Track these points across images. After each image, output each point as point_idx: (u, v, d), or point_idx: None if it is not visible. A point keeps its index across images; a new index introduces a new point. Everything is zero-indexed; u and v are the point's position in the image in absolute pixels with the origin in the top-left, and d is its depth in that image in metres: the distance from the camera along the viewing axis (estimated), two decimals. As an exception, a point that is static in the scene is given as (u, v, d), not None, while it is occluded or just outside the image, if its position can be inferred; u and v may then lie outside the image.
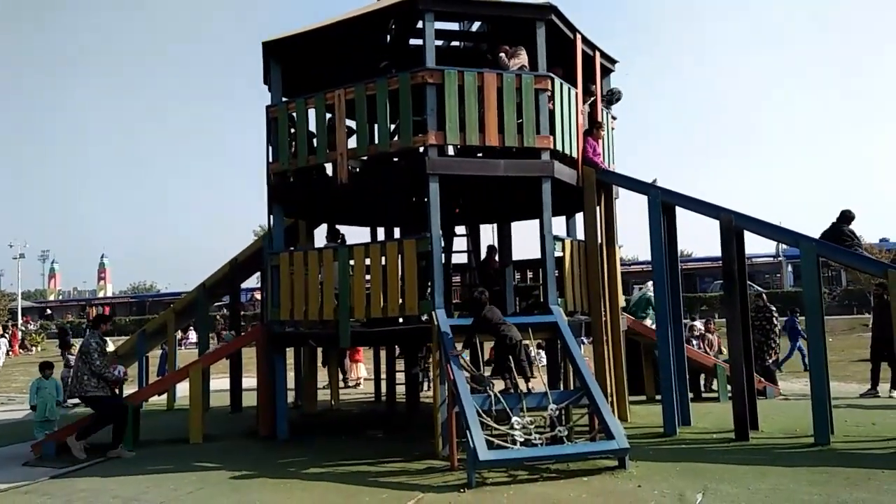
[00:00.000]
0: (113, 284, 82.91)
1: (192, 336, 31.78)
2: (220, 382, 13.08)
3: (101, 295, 75.30)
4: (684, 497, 5.75)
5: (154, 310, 54.58)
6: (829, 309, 26.82)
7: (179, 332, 23.60)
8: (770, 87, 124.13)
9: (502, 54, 8.67)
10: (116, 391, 9.14)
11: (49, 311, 56.39)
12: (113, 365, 9.10)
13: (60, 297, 79.38)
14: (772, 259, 42.83)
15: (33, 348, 35.92)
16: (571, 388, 9.03)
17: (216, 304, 22.95)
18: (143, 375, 13.25)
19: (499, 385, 7.46)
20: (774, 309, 11.93)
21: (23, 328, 43.57)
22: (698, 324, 12.87)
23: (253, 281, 25.47)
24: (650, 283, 12.04)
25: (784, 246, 37.56)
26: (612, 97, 10.49)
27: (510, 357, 7.30)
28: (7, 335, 32.51)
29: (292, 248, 10.09)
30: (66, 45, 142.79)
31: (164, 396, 12.24)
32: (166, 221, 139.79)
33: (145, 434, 9.33)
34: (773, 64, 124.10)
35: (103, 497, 6.61)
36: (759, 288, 30.58)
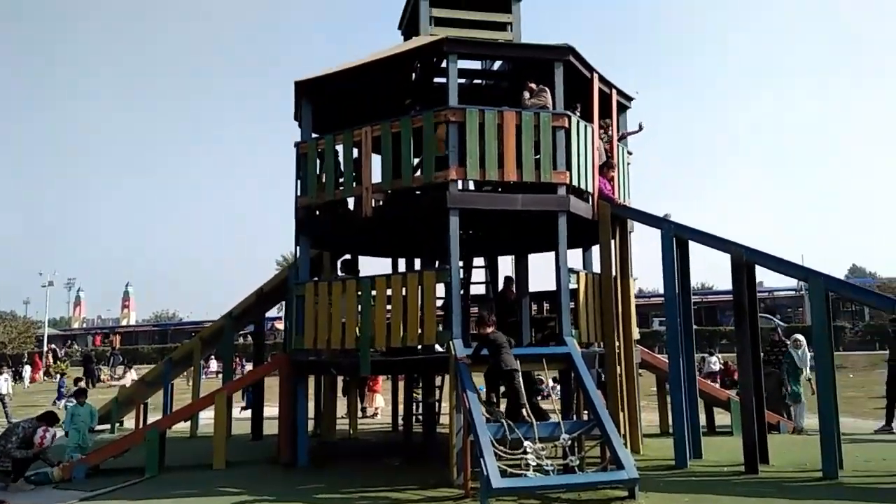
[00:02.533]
0: (136, 312, 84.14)
1: (214, 365, 32.18)
2: (238, 411, 13.36)
3: (124, 323, 76.29)
4: (693, 526, 5.89)
5: (176, 338, 55.26)
6: (850, 345, 26.60)
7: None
8: (794, 117, 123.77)
9: (526, 92, 9.05)
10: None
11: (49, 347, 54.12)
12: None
13: (85, 325, 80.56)
14: (794, 293, 42.46)
15: (58, 376, 36.50)
16: (584, 419, 9.18)
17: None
18: (168, 402, 13.56)
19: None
20: (790, 343, 11.97)
21: (52, 354, 44.22)
22: (714, 358, 12.92)
23: (273, 311, 25.81)
24: (800, 337, 11.59)
25: (805, 280, 37.32)
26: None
27: (504, 384, 7.58)
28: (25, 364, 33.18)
29: (317, 279, 10.43)
30: (97, 67, 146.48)
31: (188, 424, 12.57)
32: (190, 251, 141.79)
33: (170, 460, 9.59)
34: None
35: (132, 519, 6.90)
36: (779, 321, 30.34)
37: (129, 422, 14.49)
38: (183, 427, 12.28)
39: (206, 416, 12.00)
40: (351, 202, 9.73)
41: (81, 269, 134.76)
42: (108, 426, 13.92)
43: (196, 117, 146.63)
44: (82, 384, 15.27)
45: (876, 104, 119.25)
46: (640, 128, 10.77)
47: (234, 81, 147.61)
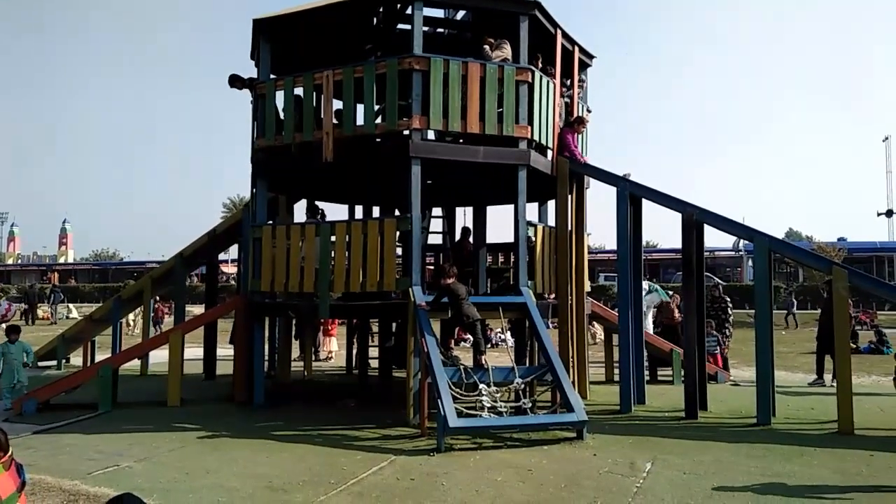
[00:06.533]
0: (74, 250, 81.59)
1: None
2: (190, 351, 13.27)
3: (62, 260, 73.95)
4: (635, 465, 6.30)
5: (117, 277, 54.04)
6: (784, 304, 27.92)
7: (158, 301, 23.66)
8: (741, 87, 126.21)
9: (486, 46, 9.02)
10: None
11: None
12: None
13: (20, 261, 77.78)
14: (733, 253, 44.03)
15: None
16: (536, 365, 9.53)
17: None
18: (117, 340, 13.41)
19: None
20: (729, 300, 12.58)
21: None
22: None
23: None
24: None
25: (744, 241, 38.77)
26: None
27: (468, 333, 7.83)
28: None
29: (272, 222, 10.37)
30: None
31: (137, 362, 12.48)
32: (131, 190, 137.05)
33: (122, 397, 9.59)
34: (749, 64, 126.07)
35: (87, 451, 6.93)
36: (718, 280, 31.57)
37: (76, 359, 14.31)
38: (132, 365, 12.19)
39: (156, 355, 11.97)
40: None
41: (14, 204, 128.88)
42: (54, 362, 13.74)
43: (143, 49, 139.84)
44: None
45: (813, 76, 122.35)
46: (589, 110, 11.08)
47: (188, 14, 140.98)
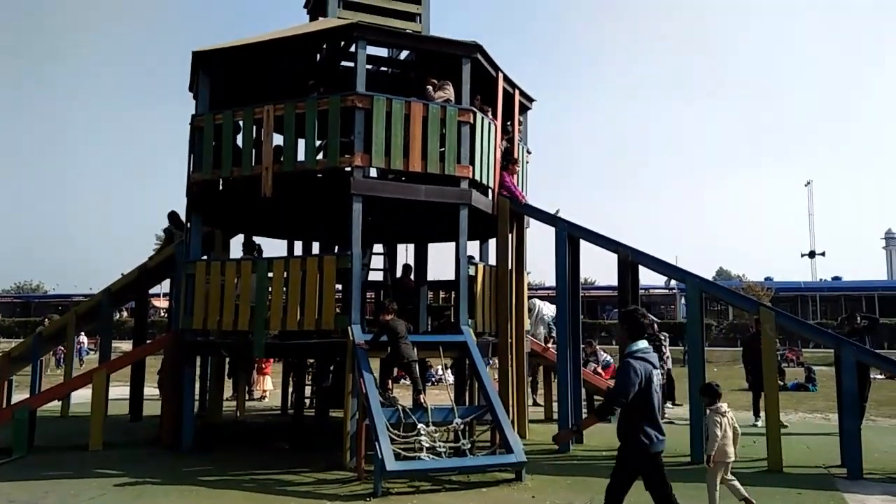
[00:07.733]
0: (-5, 283, 77.54)
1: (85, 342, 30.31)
2: (116, 391, 12.69)
3: (-20, 293, 70.13)
4: (573, 507, 6.28)
5: (40, 311, 51.49)
6: (715, 341, 28.89)
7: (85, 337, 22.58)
8: (674, 126, 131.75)
9: (430, 87, 9.13)
10: None
11: None
12: None
13: (-66, 294, 73.33)
14: (667, 291, 45.28)
15: None
16: (476, 404, 9.47)
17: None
18: (36, 380, 12.68)
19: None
20: (664, 337, 12.84)
21: None
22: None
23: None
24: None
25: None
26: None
27: (405, 372, 7.77)
28: None
29: (207, 258, 10.09)
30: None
31: (58, 403, 11.83)
32: (59, 219, 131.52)
33: (41, 440, 9.06)
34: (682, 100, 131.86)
35: (-1, 501, 6.48)
36: (654, 318, 32.37)
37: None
38: (52, 406, 11.56)
39: (79, 395, 11.42)
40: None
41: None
42: (-36, 405, 12.85)
43: (70, 78, 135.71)
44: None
45: (743, 120, 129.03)
46: (529, 151, 11.41)
47: (121, 44, 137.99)
